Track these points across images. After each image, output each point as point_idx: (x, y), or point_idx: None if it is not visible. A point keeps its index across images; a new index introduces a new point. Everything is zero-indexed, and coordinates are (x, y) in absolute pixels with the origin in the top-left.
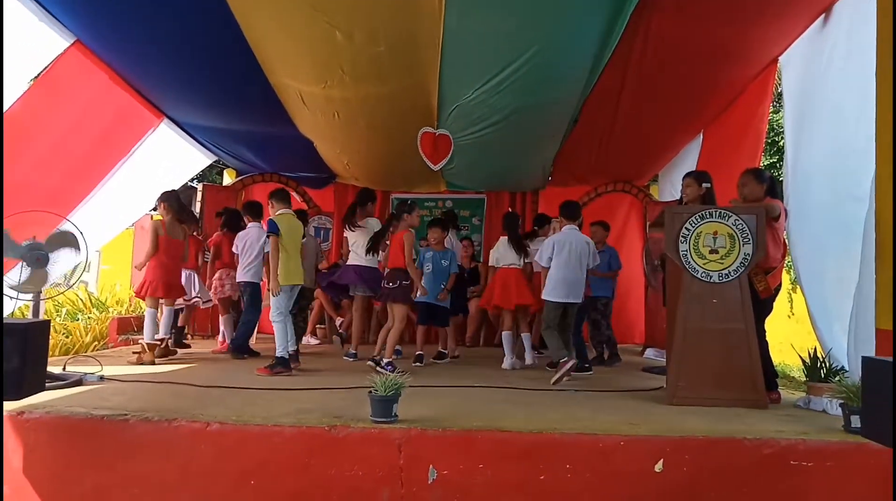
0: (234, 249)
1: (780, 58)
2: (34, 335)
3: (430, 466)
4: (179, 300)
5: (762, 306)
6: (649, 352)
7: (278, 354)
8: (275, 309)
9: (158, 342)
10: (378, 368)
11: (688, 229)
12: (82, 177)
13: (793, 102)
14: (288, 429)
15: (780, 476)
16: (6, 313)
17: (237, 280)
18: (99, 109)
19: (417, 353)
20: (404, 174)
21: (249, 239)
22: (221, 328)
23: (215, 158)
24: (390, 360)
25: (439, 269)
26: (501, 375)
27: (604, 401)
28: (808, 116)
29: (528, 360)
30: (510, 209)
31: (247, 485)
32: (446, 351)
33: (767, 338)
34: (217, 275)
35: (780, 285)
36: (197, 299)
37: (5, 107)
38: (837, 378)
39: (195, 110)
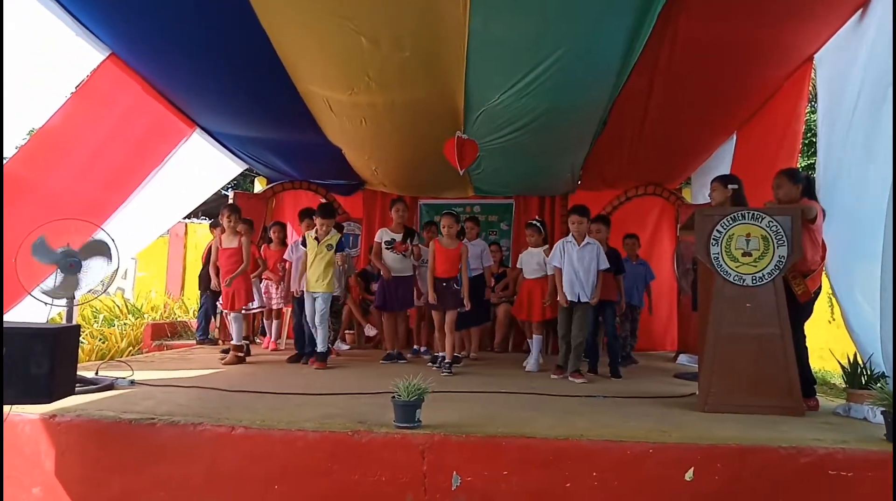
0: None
1: (815, 56)
2: (64, 340)
3: (454, 472)
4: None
5: (801, 309)
6: (682, 358)
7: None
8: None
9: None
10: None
11: (719, 232)
12: (117, 186)
13: (826, 101)
14: (311, 434)
15: (818, 486)
16: (44, 319)
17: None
18: (133, 119)
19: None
20: (432, 180)
21: None
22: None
23: (247, 166)
24: (447, 361)
25: None
26: (527, 381)
27: (633, 408)
28: (841, 114)
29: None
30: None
31: (271, 490)
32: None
33: (807, 344)
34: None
35: (819, 288)
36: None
37: (45, 119)
38: (879, 385)
39: (226, 120)
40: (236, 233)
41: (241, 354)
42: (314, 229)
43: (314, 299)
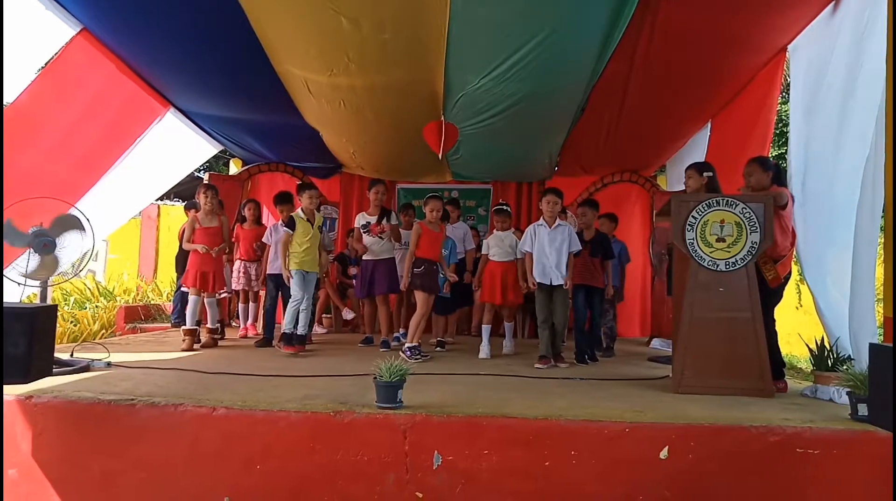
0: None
1: (788, 46)
2: (41, 320)
3: (435, 451)
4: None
5: (771, 294)
6: (655, 342)
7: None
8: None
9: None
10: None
11: (695, 218)
12: (90, 166)
13: (798, 91)
14: (293, 415)
15: (786, 463)
16: (16, 300)
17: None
18: (106, 97)
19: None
20: (410, 164)
21: None
22: (243, 314)
23: (221, 147)
24: (414, 345)
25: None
26: (506, 363)
27: (609, 389)
28: (812, 104)
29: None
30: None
31: (253, 470)
32: (444, 340)
33: (776, 328)
34: (239, 267)
35: (789, 273)
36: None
37: (13, 97)
38: (845, 367)
39: (201, 99)
40: (214, 212)
41: (216, 337)
42: (300, 209)
43: (305, 278)
